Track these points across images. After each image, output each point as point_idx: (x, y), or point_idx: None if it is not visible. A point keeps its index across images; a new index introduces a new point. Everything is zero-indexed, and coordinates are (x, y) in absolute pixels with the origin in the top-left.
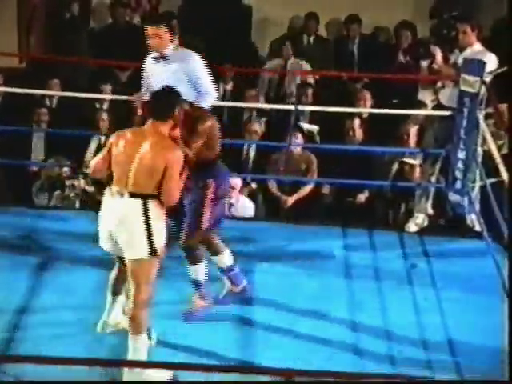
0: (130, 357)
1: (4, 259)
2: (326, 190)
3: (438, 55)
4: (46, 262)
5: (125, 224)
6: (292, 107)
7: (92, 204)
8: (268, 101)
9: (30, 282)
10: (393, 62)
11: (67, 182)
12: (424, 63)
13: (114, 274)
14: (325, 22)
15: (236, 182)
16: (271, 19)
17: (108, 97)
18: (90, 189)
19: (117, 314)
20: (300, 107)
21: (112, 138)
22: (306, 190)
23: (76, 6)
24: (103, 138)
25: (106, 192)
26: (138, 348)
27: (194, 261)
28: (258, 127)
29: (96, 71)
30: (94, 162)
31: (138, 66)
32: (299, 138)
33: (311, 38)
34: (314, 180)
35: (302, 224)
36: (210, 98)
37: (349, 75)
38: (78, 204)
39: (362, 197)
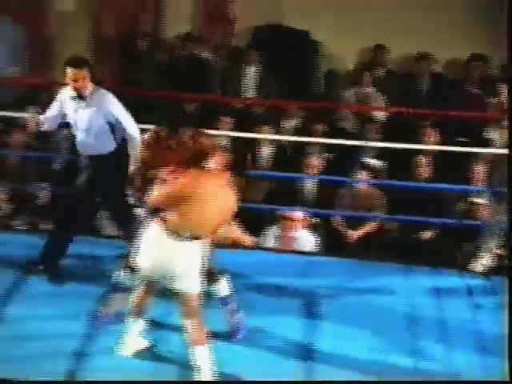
0: (200, 365)
1: (74, 288)
2: (391, 226)
3: (504, 93)
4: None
5: (182, 262)
6: (358, 142)
7: None
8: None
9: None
10: (462, 98)
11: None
12: (492, 100)
13: (135, 297)
14: (394, 57)
15: (298, 215)
16: (338, 53)
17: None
18: None
19: (138, 337)
20: (366, 143)
21: (172, 175)
22: (372, 225)
23: (146, 41)
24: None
25: (157, 222)
26: (205, 356)
27: (214, 278)
28: (316, 161)
29: (162, 103)
30: (155, 196)
31: (205, 99)
32: (364, 174)
33: (380, 71)
34: (379, 216)
35: (366, 260)
36: (135, 139)
37: (418, 112)
38: None
39: (428, 234)
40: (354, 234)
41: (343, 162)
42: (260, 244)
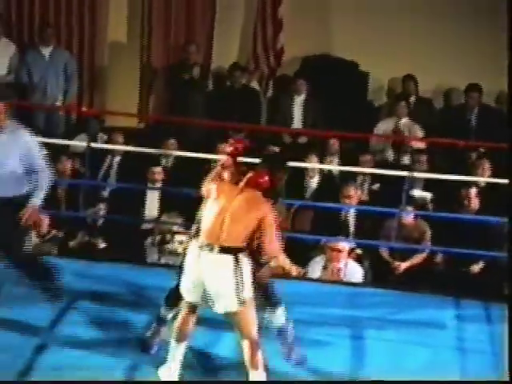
0: None
1: (115, 314)
2: (439, 258)
3: None
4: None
5: (215, 278)
6: (405, 173)
7: None
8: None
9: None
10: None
11: (177, 238)
12: None
13: (179, 321)
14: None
15: (344, 245)
16: (386, 84)
17: (219, 157)
18: None
19: (179, 362)
20: (414, 174)
21: (209, 186)
22: (420, 257)
23: (196, 69)
24: None
25: (193, 243)
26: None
27: (273, 303)
28: (353, 191)
29: (212, 132)
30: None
31: (253, 129)
32: (412, 206)
33: (411, 99)
34: (426, 247)
35: (413, 292)
36: (45, 176)
37: (465, 144)
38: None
39: (477, 267)
40: (402, 265)
41: (391, 192)
42: (306, 274)
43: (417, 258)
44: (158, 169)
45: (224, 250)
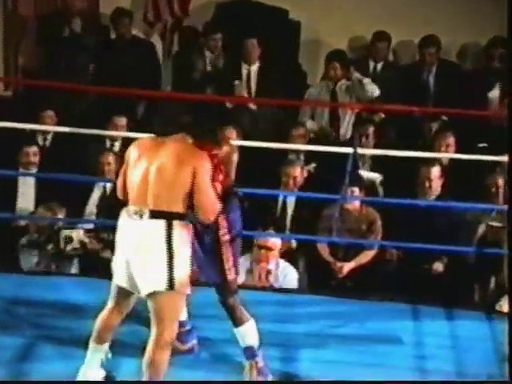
0: None
1: None
2: (392, 255)
3: None
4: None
5: (142, 250)
6: (349, 150)
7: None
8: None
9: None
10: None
11: (63, 234)
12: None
13: (103, 316)
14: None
15: (274, 242)
16: (324, 40)
17: (122, 134)
18: (93, 244)
19: (97, 367)
20: (359, 150)
21: (128, 150)
22: (367, 255)
23: (78, 21)
24: (109, 184)
25: (123, 213)
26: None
27: (239, 321)
28: (299, 172)
29: (105, 100)
30: (119, 181)
31: (155, 96)
32: (357, 190)
33: (379, 65)
34: (376, 243)
35: (361, 299)
36: None
37: (423, 111)
38: (75, 265)
39: (439, 265)
40: (346, 266)
41: (330, 174)
42: None
43: (364, 256)
44: (33, 149)
45: (155, 214)
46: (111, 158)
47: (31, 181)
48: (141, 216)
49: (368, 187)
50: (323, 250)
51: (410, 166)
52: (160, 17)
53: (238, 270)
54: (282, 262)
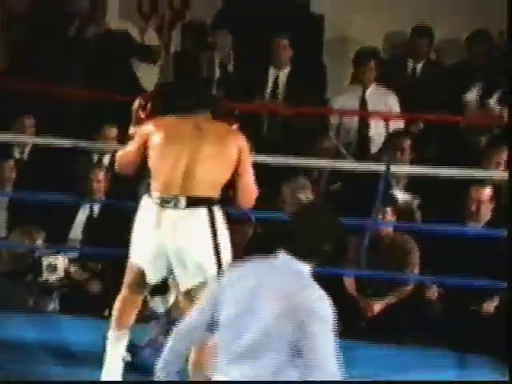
0: None
1: None
2: (432, 292)
3: None
4: None
5: (187, 239)
6: (381, 167)
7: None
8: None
9: None
10: None
11: (46, 261)
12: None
13: (119, 303)
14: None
15: None
16: (353, 37)
17: (112, 146)
18: (78, 274)
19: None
20: (393, 167)
21: (148, 127)
22: (402, 291)
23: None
24: (96, 206)
25: (146, 202)
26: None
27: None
28: (303, 195)
29: (95, 105)
30: (121, 153)
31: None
32: (390, 214)
33: (419, 65)
34: (413, 277)
35: (395, 344)
36: None
37: (469, 120)
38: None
39: (491, 305)
40: (375, 305)
41: (358, 195)
42: None
43: (398, 293)
44: (9, 163)
45: (194, 201)
46: (101, 175)
47: (3, 200)
48: (175, 205)
49: (403, 211)
50: (350, 284)
51: (454, 187)
52: (156, 8)
53: None
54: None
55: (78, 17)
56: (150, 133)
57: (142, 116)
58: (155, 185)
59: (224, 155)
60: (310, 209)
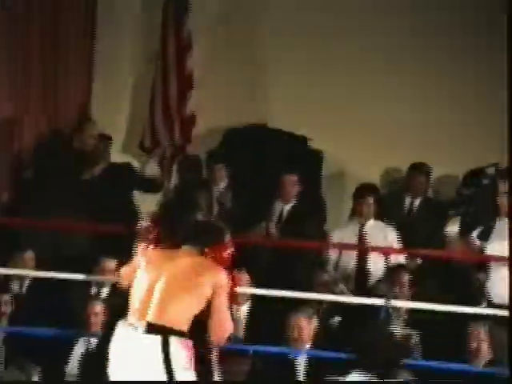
0: None
1: None
2: None
3: None
4: None
5: (137, 364)
6: (379, 301)
7: None
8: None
9: None
10: None
11: None
12: None
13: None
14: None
15: None
16: (351, 173)
17: (101, 278)
18: None
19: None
20: (392, 302)
21: (142, 255)
22: None
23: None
24: (93, 340)
25: (120, 326)
26: None
27: None
28: (305, 323)
29: (95, 238)
30: (123, 269)
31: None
32: None
33: (416, 201)
34: None
35: None
36: None
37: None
38: None
39: None
40: None
41: (357, 330)
42: None
43: None
44: (6, 297)
45: (152, 328)
46: (99, 308)
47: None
48: (136, 329)
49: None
50: None
51: (454, 324)
52: (159, 143)
53: None
54: None
55: (84, 156)
56: (138, 262)
57: (149, 238)
58: (130, 310)
59: (196, 289)
60: None
